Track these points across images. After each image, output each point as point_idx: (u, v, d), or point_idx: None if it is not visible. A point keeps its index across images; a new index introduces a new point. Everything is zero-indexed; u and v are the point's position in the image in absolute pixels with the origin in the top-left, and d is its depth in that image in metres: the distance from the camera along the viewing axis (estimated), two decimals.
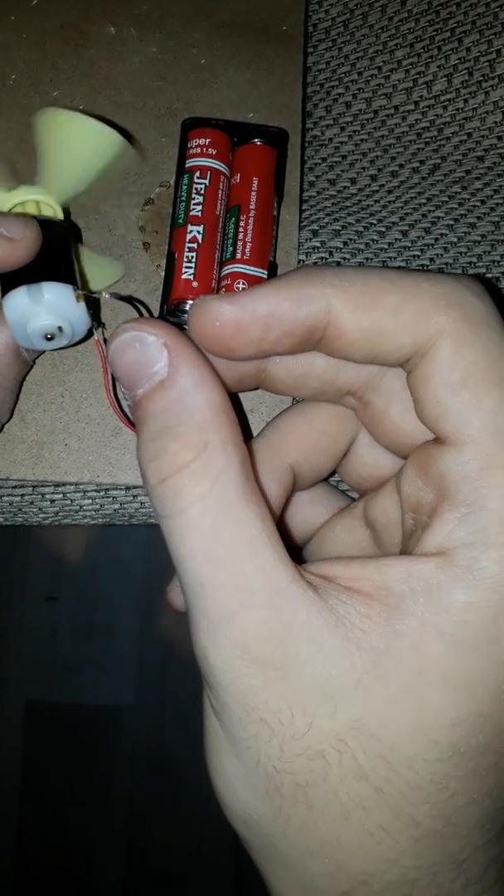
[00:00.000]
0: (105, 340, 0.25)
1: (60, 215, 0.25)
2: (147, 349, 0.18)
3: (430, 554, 0.17)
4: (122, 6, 0.31)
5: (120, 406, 0.24)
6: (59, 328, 0.22)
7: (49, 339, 0.23)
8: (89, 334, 0.24)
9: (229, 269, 0.26)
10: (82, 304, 0.22)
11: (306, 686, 0.16)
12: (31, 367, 0.25)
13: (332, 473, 0.23)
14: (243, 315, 0.18)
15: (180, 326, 0.25)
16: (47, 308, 0.22)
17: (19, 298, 0.22)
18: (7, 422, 0.25)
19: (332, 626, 0.16)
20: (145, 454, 0.18)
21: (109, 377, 0.24)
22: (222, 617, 0.17)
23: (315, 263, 0.29)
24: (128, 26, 0.31)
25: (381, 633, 0.16)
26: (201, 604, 0.17)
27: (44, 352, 0.25)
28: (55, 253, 0.23)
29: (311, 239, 0.30)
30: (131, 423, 0.23)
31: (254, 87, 0.30)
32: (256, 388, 0.21)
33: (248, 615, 0.17)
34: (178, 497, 0.17)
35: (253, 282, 0.26)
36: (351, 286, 0.18)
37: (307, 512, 0.24)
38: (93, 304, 0.23)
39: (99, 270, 0.26)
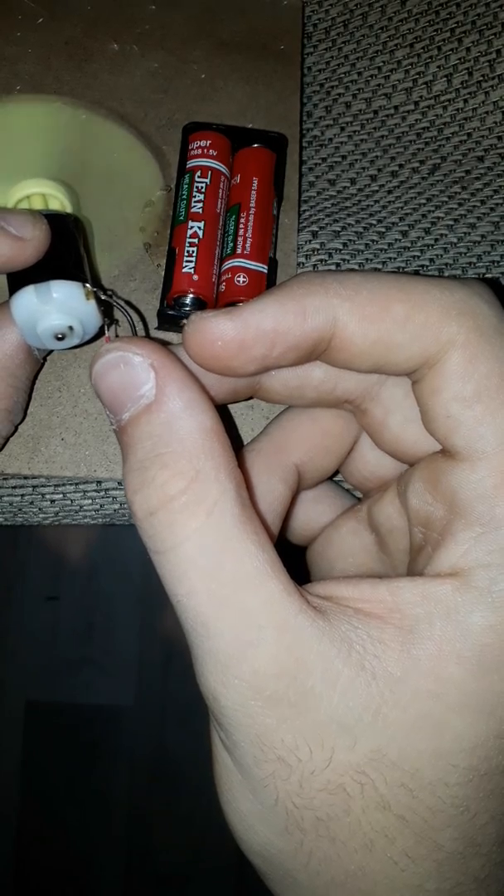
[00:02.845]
0: (118, 336, 0.25)
1: (69, 208, 0.25)
2: (132, 370, 0.17)
3: (445, 574, 0.16)
4: (126, 25, 0.32)
5: None
6: (70, 328, 0.22)
7: (60, 339, 0.22)
8: (101, 332, 0.23)
9: (230, 263, 0.26)
10: (92, 302, 0.22)
11: (323, 720, 0.16)
12: (42, 364, 0.25)
13: (336, 472, 0.23)
14: (246, 333, 0.17)
15: (181, 319, 0.26)
16: (57, 307, 0.21)
17: (27, 298, 0.21)
18: (20, 423, 0.25)
19: (346, 655, 0.16)
20: (132, 484, 0.17)
21: None
22: (231, 657, 0.16)
23: (315, 266, 0.29)
24: (130, 43, 0.32)
25: (397, 659, 0.16)
26: (206, 644, 0.16)
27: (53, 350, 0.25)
28: (63, 249, 0.22)
29: (310, 241, 0.30)
30: None
31: (252, 100, 0.31)
32: (250, 399, 0.21)
33: (257, 653, 0.16)
34: (171, 531, 0.16)
35: (253, 276, 0.26)
36: (357, 295, 0.17)
37: (310, 511, 0.24)
38: (103, 302, 0.22)
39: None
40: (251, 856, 0.18)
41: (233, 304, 0.25)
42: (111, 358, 0.17)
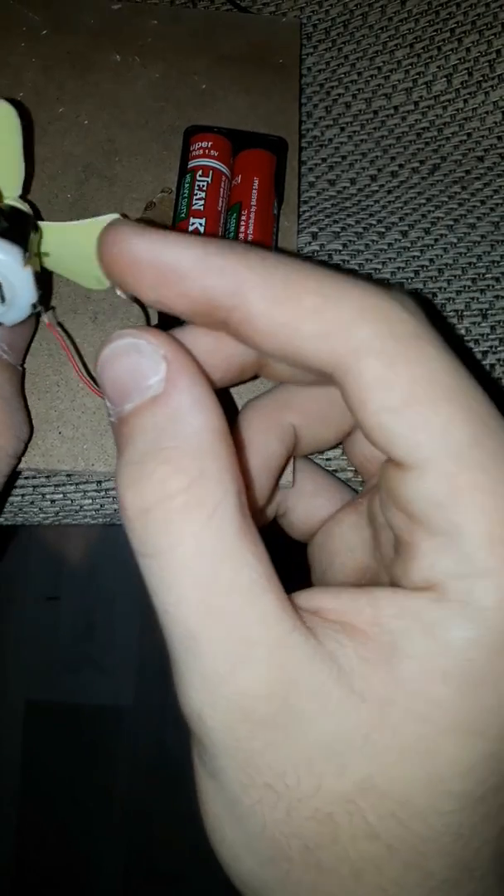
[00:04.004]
0: (60, 325, 0.24)
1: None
2: (143, 360, 0.16)
3: (420, 588, 0.16)
4: (128, 38, 0.32)
5: (92, 378, 0.23)
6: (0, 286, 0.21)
7: None
8: (35, 317, 0.23)
9: None
10: (29, 270, 0.21)
11: (312, 746, 0.15)
12: (24, 373, 0.25)
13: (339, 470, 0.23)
14: (142, 255, 0.16)
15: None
16: None
17: None
18: (29, 440, 0.24)
19: (336, 677, 0.15)
20: (126, 477, 0.16)
21: (73, 353, 0.24)
22: (220, 675, 0.15)
23: None
24: (133, 55, 0.32)
25: (383, 679, 0.15)
26: (194, 660, 0.15)
27: (27, 349, 0.25)
28: (12, 223, 0.22)
29: (310, 243, 0.30)
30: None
31: (252, 110, 0.31)
32: (256, 378, 0.21)
33: (249, 672, 0.15)
34: (166, 533, 0.15)
35: None
36: (271, 275, 0.16)
37: (309, 504, 0.24)
38: (42, 284, 0.22)
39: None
40: (238, 885, 0.17)
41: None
42: (122, 344, 0.16)
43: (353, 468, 0.26)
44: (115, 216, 0.24)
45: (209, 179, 0.27)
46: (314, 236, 0.30)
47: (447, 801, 0.15)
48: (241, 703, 0.15)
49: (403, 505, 0.16)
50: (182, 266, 0.16)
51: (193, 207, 0.27)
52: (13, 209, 0.23)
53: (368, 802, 0.15)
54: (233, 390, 0.26)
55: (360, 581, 0.21)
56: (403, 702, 0.15)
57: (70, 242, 0.24)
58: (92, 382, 0.23)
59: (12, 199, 0.24)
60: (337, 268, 0.29)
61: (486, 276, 0.29)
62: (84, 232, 0.24)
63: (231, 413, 0.22)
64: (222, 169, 0.28)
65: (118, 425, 0.17)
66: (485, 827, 0.16)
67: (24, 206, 0.24)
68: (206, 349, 0.19)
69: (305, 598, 0.17)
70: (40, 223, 0.24)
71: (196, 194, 0.27)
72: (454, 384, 0.16)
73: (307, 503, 0.24)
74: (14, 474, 0.25)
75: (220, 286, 0.16)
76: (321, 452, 0.27)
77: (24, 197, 0.25)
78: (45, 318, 0.23)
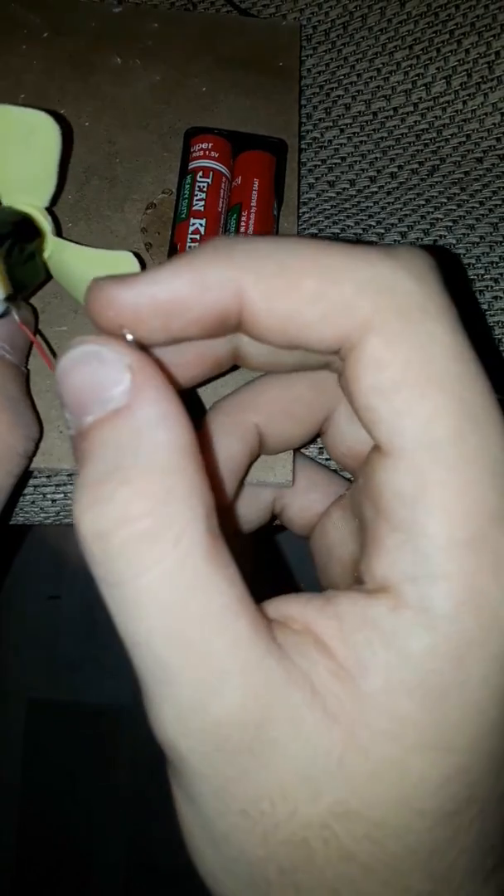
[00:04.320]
0: (40, 332, 0.25)
1: (47, 230, 0.25)
2: (105, 369, 0.15)
3: (378, 591, 0.15)
4: (128, 41, 0.33)
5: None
6: None
7: None
8: (35, 318, 0.23)
9: None
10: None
11: (287, 772, 0.15)
12: (28, 374, 0.25)
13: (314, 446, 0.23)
14: (140, 302, 0.16)
15: None
16: None
17: None
18: (40, 439, 0.24)
19: (310, 700, 0.15)
20: (84, 498, 0.14)
21: (42, 345, 0.24)
22: (192, 705, 0.14)
23: None
24: (133, 58, 0.32)
25: (353, 697, 0.15)
26: (165, 690, 0.15)
27: (29, 350, 0.25)
28: None
29: None
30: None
31: (252, 112, 0.31)
32: (236, 368, 0.21)
33: (222, 702, 0.14)
34: (128, 561, 0.14)
35: None
36: (263, 268, 0.15)
37: (304, 499, 0.23)
38: (20, 284, 0.22)
39: (115, 267, 0.26)
40: None
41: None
42: (81, 351, 0.15)
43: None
44: (128, 254, 0.24)
45: (209, 180, 0.27)
46: (314, 237, 0.30)
47: (420, 819, 0.15)
48: (215, 733, 0.15)
49: (374, 494, 0.16)
50: (180, 294, 0.16)
51: (194, 208, 0.27)
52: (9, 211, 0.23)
53: (343, 826, 0.15)
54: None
55: (354, 573, 0.21)
56: (372, 721, 0.15)
57: (77, 264, 0.25)
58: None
59: (37, 207, 0.25)
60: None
61: (485, 276, 0.29)
62: (93, 260, 0.25)
63: (199, 414, 0.22)
64: (222, 170, 0.28)
65: (77, 439, 0.15)
66: (460, 838, 0.15)
67: (43, 216, 0.25)
68: (175, 348, 0.18)
69: (275, 606, 0.16)
70: (53, 238, 0.25)
71: (196, 195, 0.27)
72: (451, 369, 0.15)
73: (302, 498, 0.24)
74: (26, 474, 0.25)
75: (222, 298, 0.16)
76: (305, 447, 0.27)
77: (49, 209, 0.25)
78: (17, 317, 0.23)
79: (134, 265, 0.25)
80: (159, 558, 0.14)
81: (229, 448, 0.21)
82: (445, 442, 0.15)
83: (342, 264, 0.15)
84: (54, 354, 0.25)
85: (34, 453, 0.24)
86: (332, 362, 0.18)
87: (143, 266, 0.26)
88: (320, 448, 0.27)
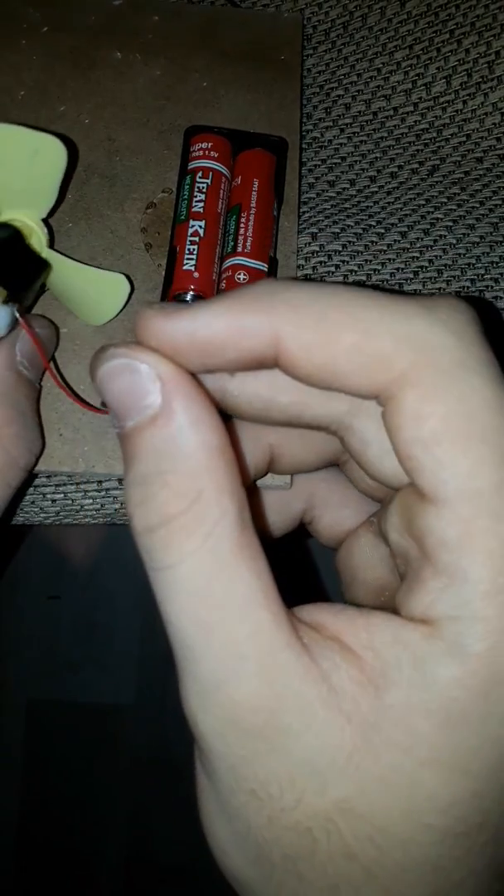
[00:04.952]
0: (34, 330, 0.25)
1: (44, 241, 0.25)
2: (139, 379, 0.16)
3: (417, 620, 0.16)
4: (129, 35, 0.32)
5: (68, 386, 0.24)
6: None
7: None
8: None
9: (230, 261, 0.26)
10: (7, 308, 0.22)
11: (296, 761, 0.16)
12: (40, 390, 0.25)
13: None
14: (179, 338, 0.17)
15: None
16: None
17: None
18: (40, 454, 0.25)
19: (325, 697, 0.15)
20: (133, 498, 0.16)
21: (48, 359, 0.25)
22: (211, 685, 0.16)
23: (314, 268, 0.29)
24: (134, 52, 0.32)
25: (371, 704, 0.15)
26: (190, 668, 0.16)
27: (43, 372, 0.25)
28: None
29: (310, 243, 0.30)
30: (85, 403, 0.23)
31: (253, 107, 0.31)
32: None
33: (238, 685, 0.16)
34: (167, 551, 0.16)
35: (254, 274, 0.26)
36: (302, 320, 0.16)
37: (336, 515, 0.24)
38: (18, 310, 0.23)
39: (106, 287, 0.26)
40: (229, 879, 0.18)
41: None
42: (117, 364, 0.17)
43: None
44: (120, 277, 0.25)
45: (209, 181, 0.27)
46: (314, 237, 0.30)
47: (426, 833, 0.15)
48: (230, 713, 0.16)
49: (417, 535, 0.16)
50: (217, 337, 0.17)
51: (193, 210, 0.27)
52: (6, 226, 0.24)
53: (347, 823, 0.15)
54: None
55: (380, 597, 0.22)
56: (388, 730, 0.15)
57: (69, 279, 0.25)
58: (71, 391, 0.24)
59: (32, 219, 0.25)
60: (336, 269, 0.29)
61: (486, 276, 0.29)
62: (86, 277, 0.25)
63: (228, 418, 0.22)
64: (222, 170, 0.28)
65: (123, 440, 0.17)
66: (469, 861, 0.16)
67: (39, 226, 0.25)
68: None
69: (308, 611, 0.17)
70: (48, 251, 0.25)
71: (196, 196, 0.27)
72: (491, 422, 0.16)
73: (333, 513, 0.24)
74: (24, 485, 0.25)
75: (258, 344, 0.16)
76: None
77: (45, 220, 0.26)
78: (19, 317, 0.23)
79: (125, 288, 0.25)
80: (192, 550, 0.16)
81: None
82: (487, 492, 0.15)
83: (380, 317, 0.16)
84: (58, 369, 0.26)
85: (34, 467, 0.24)
86: (329, 426, 0.19)
87: (133, 287, 0.26)
88: None
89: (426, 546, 0.16)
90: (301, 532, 0.26)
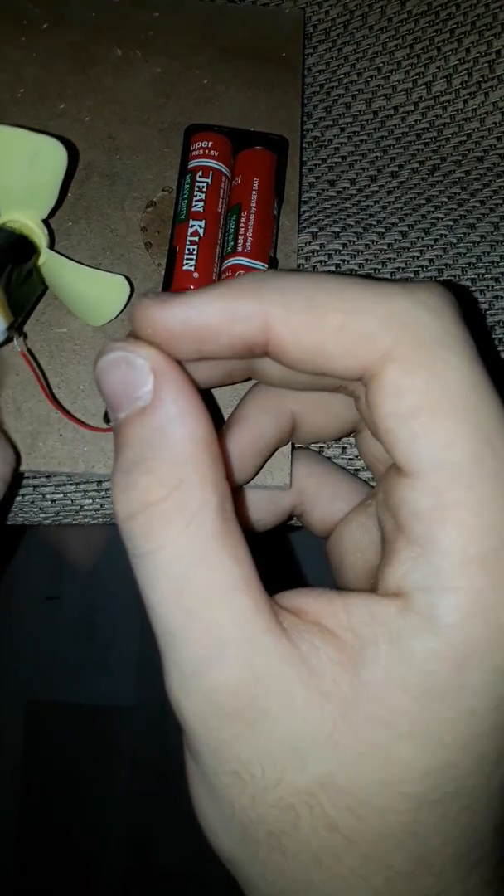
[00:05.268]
0: (29, 351, 0.25)
1: (43, 243, 0.25)
2: (133, 372, 0.17)
3: (391, 595, 0.16)
4: (129, 31, 0.32)
5: (57, 401, 0.25)
6: None
7: None
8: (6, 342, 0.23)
9: (230, 261, 0.26)
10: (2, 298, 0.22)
11: (276, 741, 0.16)
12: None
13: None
14: (174, 325, 0.17)
15: None
16: None
17: None
18: (17, 465, 0.25)
19: (305, 679, 0.16)
20: (117, 484, 0.17)
21: (41, 378, 0.25)
22: (193, 670, 0.16)
23: (314, 267, 0.29)
24: (134, 49, 0.32)
25: (350, 682, 0.16)
26: (172, 654, 0.17)
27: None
28: None
29: (310, 242, 0.30)
30: (73, 418, 0.23)
31: (254, 104, 0.31)
32: (248, 379, 0.21)
33: (218, 669, 0.16)
34: (147, 537, 0.16)
35: None
36: (291, 303, 0.17)
37: (327, 508, 0.24)
38: (17, 309, 0.23)
39: (107, 288, 0.26)
40: (221, 859, 0.18)
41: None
42: (114, 357, 0.17)
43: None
44: (121, 278, 0.25)
45: (209, 180, 0.27)
46: (314, 236, 0.30)
47: (402, 801, 0.16)
48: (212, 697, 0.16)
49: (393, 510, 0.17)
50: (211, 322, 0.17)
51: (193, 209, 0.27)
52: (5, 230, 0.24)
53: (328, 797, 0.16)
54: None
55: (370, 581, 0.22)
56: (366, 706, 0.16)
57: (69, 280, 0.25)
58: (61, 407, 0.24)
59: (32, 220, 0.25)
60: (336, 268, 0.29)
61: (486, 276, 0.29)
62: (86, 279, 0.25)
63: (216, 415, 0.22)
64: (222, 169, 0.28)
65: (115, 432, 0.18)
66: (443, 827, 0.16)
67: (39, 227, 0.25)
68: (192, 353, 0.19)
69: (288, 597, 0.17)
70: (48, 252, 0.25)
71: (196, 195, 0.27)
72: (468, 397, 0.16)
73: (325, 506, 0.24)
74: (9, 496, 0.25)
75: (250, 330, 0.17)
76: (328, 444, 0.27)
77: (46, 221, 0.26)
78: (17, 346, 0.23)
79: (125, 289, 0.25)
80: (173, 537, 0.16)
81: (262, 426, 0.22)
82: (461, 464, 0.16)
83: (364, 300, 0.17)
84: (47, 383, 0.26)
85: (12, 480, 0.25)
86: (346, 386, 0.19)
87: (133, 287, 0.26)
88: (342, 447, 0.27)
89: (401, 517, 0.16)
90: (285, 525, 0.26)
